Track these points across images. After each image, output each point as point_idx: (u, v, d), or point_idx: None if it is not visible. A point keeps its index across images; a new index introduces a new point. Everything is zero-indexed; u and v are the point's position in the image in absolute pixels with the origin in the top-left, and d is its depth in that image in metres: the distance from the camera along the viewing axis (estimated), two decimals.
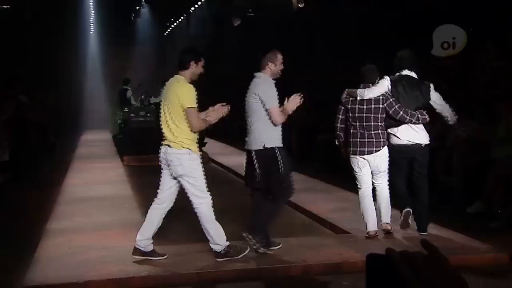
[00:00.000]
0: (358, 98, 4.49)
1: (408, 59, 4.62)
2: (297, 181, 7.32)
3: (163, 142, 4.14)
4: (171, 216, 5.68)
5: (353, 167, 4.60)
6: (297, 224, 5.43)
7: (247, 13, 15.24)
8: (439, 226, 4.80)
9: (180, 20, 19.65)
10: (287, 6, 12.26)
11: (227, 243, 4.05)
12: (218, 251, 4.05)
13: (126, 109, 11.52)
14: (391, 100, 4.46)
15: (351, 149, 4.54)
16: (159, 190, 4.24)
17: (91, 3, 18.56)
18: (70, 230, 5.04)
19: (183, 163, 4.01)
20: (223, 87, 16.42)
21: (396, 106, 4.43)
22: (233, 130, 13.21)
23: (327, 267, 4.14)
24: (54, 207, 6.11)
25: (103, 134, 17.06)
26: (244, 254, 4.02)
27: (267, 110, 4.08)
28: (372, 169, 4.51)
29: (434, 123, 5.13)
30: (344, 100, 4.65)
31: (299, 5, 11.75)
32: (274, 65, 4.19)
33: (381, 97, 4.48)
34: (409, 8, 8.78)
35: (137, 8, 19.05)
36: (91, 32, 20.41)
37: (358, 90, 4.54)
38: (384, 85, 4.49)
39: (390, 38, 9.53)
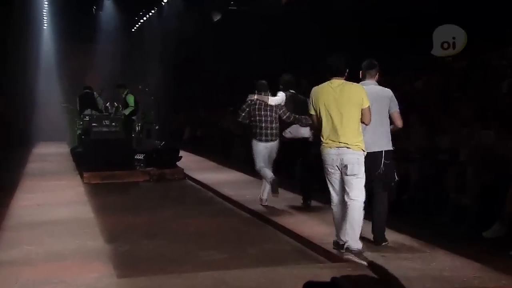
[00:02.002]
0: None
1: (292, 81, 7.25)
2: (285, 199, 7.54)
3: (338, 145, 4.69)
4: (138, 242, 5.64)
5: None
6: (286, 251, 5.43)
7: (228, 7, 15.34)
8: (451, 253, 4.84)
9: (150, 14, 19.68)
10: None
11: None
12: (355, 248, 4.69)
13: (87, 118, 11.45)
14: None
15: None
16: (334, 194, 4.86)
17: None
18: (18, 261, 4.95)
19: (360, 163, 4.72)
20: (203, 90, 16.48)
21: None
22: (213, 139, 13.21)
23: None
24: None
25: (59, 146, 16.90)
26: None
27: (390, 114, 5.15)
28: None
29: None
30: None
31: None
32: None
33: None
34: (409, 7, 9.37)
35: None
36: (45, 27, 20.15)
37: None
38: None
39: (390, 38, 9.81)
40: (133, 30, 21.00)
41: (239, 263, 4.93)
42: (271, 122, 7.05)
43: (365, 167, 4.75)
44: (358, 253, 4.69)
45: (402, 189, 6.82)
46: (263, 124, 7.04)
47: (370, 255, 4.80)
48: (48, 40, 20.28)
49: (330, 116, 4.75)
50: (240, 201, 7.58)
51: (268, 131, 7.04)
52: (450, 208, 6.05)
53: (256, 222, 6.66)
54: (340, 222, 4.85)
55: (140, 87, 13.88)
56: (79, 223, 6.51)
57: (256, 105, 7.06)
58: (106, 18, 19.40)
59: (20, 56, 18.35)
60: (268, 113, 7.04)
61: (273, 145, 7.09)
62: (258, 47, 13.78)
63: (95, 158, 10.16)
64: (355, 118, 4.74)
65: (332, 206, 4.93)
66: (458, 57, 8.91)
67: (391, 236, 5.40)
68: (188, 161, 11.77)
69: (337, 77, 4.83)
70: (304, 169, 7.47)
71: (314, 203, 7.09)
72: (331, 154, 4.74)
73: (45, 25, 20.03)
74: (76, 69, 19.72)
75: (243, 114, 7.15)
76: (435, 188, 6.47)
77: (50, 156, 14.49)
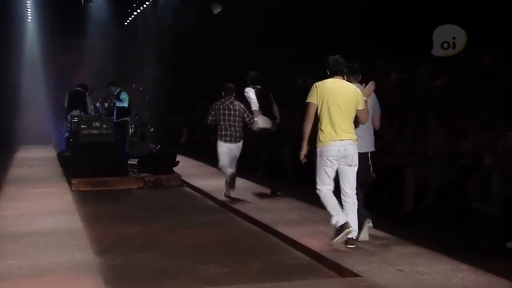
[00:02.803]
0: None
1: (258, 77, 8.52)
2: (292, 209, 7.57)
3: (343, 136, 5.38)
4: (131, 255, 5.63)
5: None
6: (293, 265, 5.41)
7: None
8: (475, 268, 4.80)
9: (144, 6, 19.72)
10: None
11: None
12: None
13: (76, 119, 11.46)
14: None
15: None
16: (328, 180, 5.46)
17: None
18: (0, 276, 4.94)
19: (357, 154, 5.46)
20: (202, 89, 16.45)
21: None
22: (213, 143, 13.17)
23: None
24: None
25: (45, 150, 16.91)
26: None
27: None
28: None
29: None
30: None
31: None
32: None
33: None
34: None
35: None
36: (29, 20, 20.12)
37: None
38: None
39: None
40: (125, 23, 21.04)
41: (240, 278, 4.91)
42: (234, 125, 8.30)
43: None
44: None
45: (420, 198, 6.80)
46: (227, 126, 8.28)
47: (388, 269, 4.77)
48: (32, 34, 20.19)
49: (333, 111, 5.40)
50: (242, 210, 7.57)
51: (233, 133, 8.31)
52: (473, 218, 6.01)
53: (259, 233, 6.64)
54: (336, 203, 5.49)
55: (133, 85, 13.87)
56: (66, 234, 6.49)
57: (220, 108, 8.33)
58: (96, 10, 19.38)
59: (1, 52, 18.40)
60: (232, 116, 8.30)
61: (236, 145, 8.35)
62: (262, 42, 13.78)
63: (84, 163, 10.16)
64: (352, 116, 5.49)
65: (323, 190, 5.51)
66: (480, 54, 8.99)
67: (408, 248, 5.38)
68: (186, 166, 11.75)
69: (338, 76, 5.54)
70: (272, 159, 8.92)
71: (322, 214, 7.09)
72: (336, 145, 5.39)
73: (29, 17, 19.97)
74: (63, 66, 19.75)
75: (210, 118, 8.41)
76: (457, 196, 6.44)
77: (35, 161, 14.49)
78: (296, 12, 12.64)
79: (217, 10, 15.16)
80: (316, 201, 7.54)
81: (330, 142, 5.39)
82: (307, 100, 5.52)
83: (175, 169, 10.92)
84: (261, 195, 8.62)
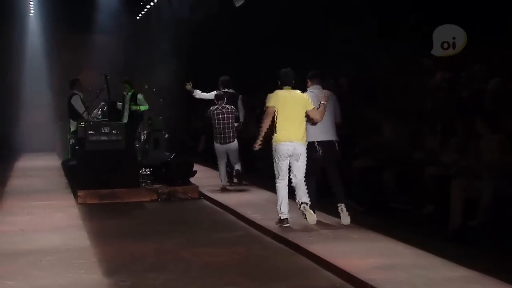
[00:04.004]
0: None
1: (230, 81, 10.89)
2: (323, 225, 7.54)
3: (292, 139, 7.29)
4: (143, 276, 5.67)
5: None
6: (323, 287, 5.40)
7: None
8: None
9: None
10: None
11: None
12: (306, 201, 7.39)
13: (83, 124, 11.58)
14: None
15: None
16: (283, 174, 7.38)
17: None
18: None
19: (305, 152, 7.43)
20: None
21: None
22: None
23: None
24: None
25: (48, 159, 17.13)
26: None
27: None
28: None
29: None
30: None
31: None
32: None
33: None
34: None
35: None
36: (31, 14, 20.34)
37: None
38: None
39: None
40: (138, 17, 21.23)
41: None
42: (228, 127, 10.41)
43: (318, 152, 7.52)
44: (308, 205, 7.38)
45: (469, 213, 6.73)
46: (221, 129, 10.44)
47: None
48: (35, 30, 20.39)
49: (284, 116, 7.32)
50: (267, 226, 7.57)
51: (226, 135, 10.41)
52: None
53: (285, 252, 6.64)
54: (286, 195, 7.42)
55: (146, 86, 14.00)
56: (72, 252, 6.57)
57: (214, 114, 10.47)
58: (105, 3, 19.52)
59: (0, 50, 18.64)
60: (225, 119, 10.42)
61: (230, 145, 10.47)
62: (286, 40, 13.82)
63: (91, 173, 10.26)
64: (302, 118, 7.39)
65: (279, 184, 7.43)
66: None
67: (457, 271, 5.31)
68: (204, 177, 11.79)
69: (288, 86, 7.47)
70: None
71: (357, 231, 7.09)
72: (287, 145, 7.32)
73: (32, 11, 20.19)
74: (69, 65, 19.92)
75: (212, 122, 10.51)
76: None
77: (37, 170, 14.68)
78: (324, 9, 12.71)
79: (239, 3, 15.20)
80: (351, 217, 7.56)
81: (282, 142, 7.33)
82: (267, 105, 7.42)
83: (192, 180, 10.97)
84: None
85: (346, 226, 7.35)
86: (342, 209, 7.48)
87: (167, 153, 11.66)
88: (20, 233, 7.57)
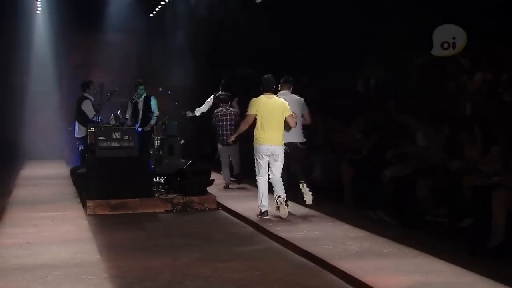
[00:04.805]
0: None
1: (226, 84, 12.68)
2: (352, 238, 7.52)
3: (271, 142, 8.83)
4: None
5: None
6: None
7: None
8: None
9: None
10: None
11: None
12: (283, 196, 8.87)
13: (93, 129, 11.63)
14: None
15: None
16: (263, 171, 8.93)
17: None
18: None
19: (283, 153, 8.93)
20: (244, 93, 16.47)
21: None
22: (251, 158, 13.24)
23: None
24: None
25: (55, 166, 17.21)
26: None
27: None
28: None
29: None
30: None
31: None
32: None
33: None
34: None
35: None
36: (38, 11, 20.52)
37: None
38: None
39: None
40: (151, 14, 21.32)
41: None
42: (230, 129, 11.69)
43: (285, 154, 8.95)
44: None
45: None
46: (223, 131, 11.94)
47: None
48: (42, 29, 20.49)
49: (264, 120, 8.85)
50: (291, 239, 7.55)
51: (227, 137, 11.20)
52: None
53: (310, 268, 6.62)
54: (266, 190, 8.96)
55: (160, 89, 14.01)
56: (81, 267, 6.60)
57: (218, 116, 12.08)
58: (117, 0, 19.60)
59: (6, 49, 18.78)
60: (228, 121, 11.97)
61: (232, 147, 11.74)
62: (315, 40, 13.84)
63: (102, 181, 10.31)
64: (281, 122, 8.88)
65: (259, 180, 8.96)
66: None
67: None
68: (223, 186, 11.83)
69: (269, 92, 9.02)
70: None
71: (389, 246, 7.04)
72: (266, 146, 8.85)
73: (38, 9, 20.36)
74: (78, 65, 20.03)
75: (217, 128, 12.12)
76: None
77: (43, 179, 14.74)
78: (358, 9, 12.74)
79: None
80: (382, 230, 7.53)
81: (262, 143, 8.86)
82: (248, 112, 9.06)
83: (209, 189, 10.98)
84: (313, 221, 8.61)
85: (377, 241, 7.30)
86: (304, 186, 9.10)
87: (183, 161, 11.68)
88: (25, 247, 7.61)
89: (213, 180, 11.08)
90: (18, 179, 14.95)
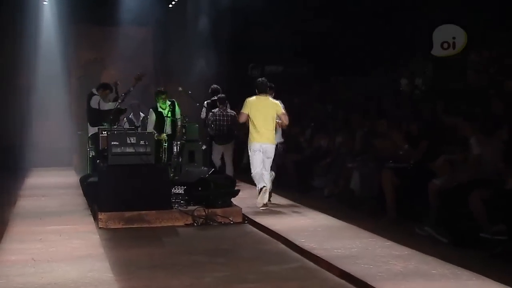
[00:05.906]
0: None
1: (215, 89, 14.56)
2: (395, 257, 7.44)
3: (263, 140, 10.94)
4: None
5: None
6: None
7: None
8: None
9: None
10: None
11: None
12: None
13: (105, 133, 11.68)
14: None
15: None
16: (257, 165, 10.98)
17: None
18: None
19: (274, 150, 11.18)
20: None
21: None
22: (287, 165, 13.25)
23: None
24: None
25: (64, 175, 17.35)
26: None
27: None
28: None
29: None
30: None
31: None
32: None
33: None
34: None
35: None
36: (45, 2, 20.67)
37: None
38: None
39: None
40: (170, 6, 21.44)
41: None
42: (226, 129, 13.46)
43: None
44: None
45: None
46: (219, 131, 13.50)
47: None
48: (49, 22, 20.66)
49: (257, 120, 10.92)
50: (326, 257, 7.53)
51: (223, 137, 13.48)
52: None
53: None
54: (262, 178, 10.98)
55: (180, 88, 14.09)
56: (92, 287, 6.61)
57: (216, 116, 13.55)
58: None
59: (10, 46, 18.97)
60: (225, 121, 13.51)
61: (226, 146, 13.62)
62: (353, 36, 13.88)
63: (115, 192, 10.36)
64: (273, 122, 11.00)
65: (254, 174, 11.07)
66: None
67: None
68: (249, 197, 11.78)
69: (263, 94, 11.08)
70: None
71: (438, 265, 6.96)
72: (258, 144, 10.95)
73: (46, 0, 20.56)
74: (89, 62, 20.20)
75: (212, 126, 13.59)
76: None
77: (51, 188, 14.85)
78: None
79: None
80: (430, 248, 7.45)
81: (255, 141, 10.98)
82: (241, 111, 11.18)
83: (234, 200, 10.98)
84: (351, 237, 8.55)
85: (424, 260, 7.26)
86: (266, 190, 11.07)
87: (205, 168, 11.69)
88: (31, 264, 7.66)
89: (238, 190, 11.07)
90: (23, 188, 15.08)
